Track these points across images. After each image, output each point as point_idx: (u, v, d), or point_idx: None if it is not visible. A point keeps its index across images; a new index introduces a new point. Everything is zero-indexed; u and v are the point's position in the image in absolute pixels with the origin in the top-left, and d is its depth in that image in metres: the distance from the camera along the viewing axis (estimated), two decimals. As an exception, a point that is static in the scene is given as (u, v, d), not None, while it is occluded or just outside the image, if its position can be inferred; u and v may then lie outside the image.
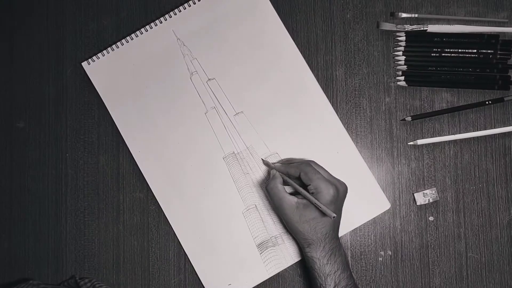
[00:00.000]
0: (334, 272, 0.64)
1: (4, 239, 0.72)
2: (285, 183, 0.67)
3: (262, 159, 0.71)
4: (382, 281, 0.72)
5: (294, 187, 0.65)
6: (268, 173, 0.71)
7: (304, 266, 0.71)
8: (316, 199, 0.63)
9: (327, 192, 0.63)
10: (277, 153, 0.72)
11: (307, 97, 0.72)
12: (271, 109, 0.72)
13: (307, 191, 0.64)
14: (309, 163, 0.66)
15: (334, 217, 0.61)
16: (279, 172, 0.68)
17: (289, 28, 0.73)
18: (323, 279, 0.63)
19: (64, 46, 0.74)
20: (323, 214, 0.63)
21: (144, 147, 0.72)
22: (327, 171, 0.67)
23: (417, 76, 0.73)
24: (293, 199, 0.65)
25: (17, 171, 0.72)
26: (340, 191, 0.65)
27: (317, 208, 0.63)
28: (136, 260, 0.72)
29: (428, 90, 0.73)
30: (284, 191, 0.65)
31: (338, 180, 0.66)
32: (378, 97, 0.73)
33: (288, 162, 0.70)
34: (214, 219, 0.71)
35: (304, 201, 0.64)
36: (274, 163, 0.71)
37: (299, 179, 0.66)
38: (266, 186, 0.67)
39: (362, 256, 0.72)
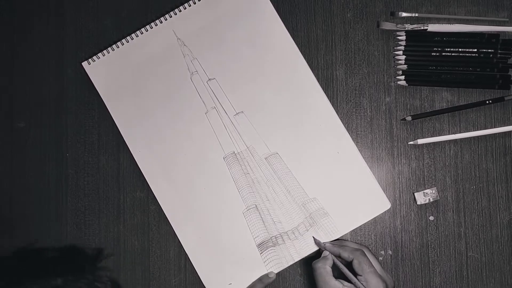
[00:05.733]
0: None
1: (4, 239, 0.72)
2: (333, 265, 0.65)
3: (313, 237, 0.70)
4: (382, 280, 0.72)
5: (346, 275, 0.63)
6: (319, 252, 0.69)
7: (305, 266, 0.71)
8: None
9: None
10: (277, 153, 0.72)
11: (307, 96, 0.72)
12: (271, 109, 0.72)
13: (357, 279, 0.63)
14: (364, 253, 0.64)
15: None
16: (330, 252, 0.66)
17: (289, 28, 0.73)
18: None
19: (64, 46, 0.74)
20: None
21: (144, 146, 0.72)
22: (379, 263, 0.65)
23: (417, 75, 0.73)
24: (339, 285, 0.62)
25: (17, 171, 0.72)
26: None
27: None
28: (137, 260, 0.72)
29: (428, 90, 0.73)
30: (331, 275, 0.63)
31: (388, 276, 0.64)
32: (378, 96, 0.73)
33: (340, 244, 0.67)
34: (215, 219, 0.71)
35: None
36: (325, 242, 0.69)
37: (349, 264, 0.64)
38: (314, 263, 0.65)
39: (363, 256, 0.72)
